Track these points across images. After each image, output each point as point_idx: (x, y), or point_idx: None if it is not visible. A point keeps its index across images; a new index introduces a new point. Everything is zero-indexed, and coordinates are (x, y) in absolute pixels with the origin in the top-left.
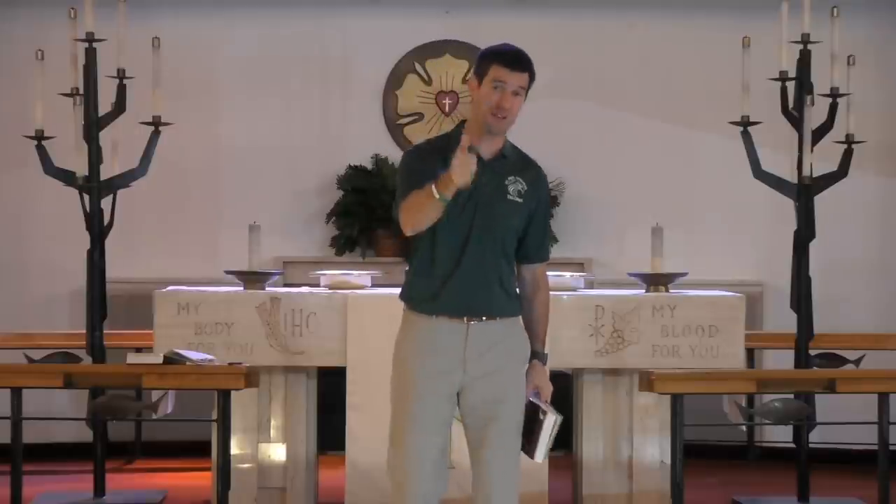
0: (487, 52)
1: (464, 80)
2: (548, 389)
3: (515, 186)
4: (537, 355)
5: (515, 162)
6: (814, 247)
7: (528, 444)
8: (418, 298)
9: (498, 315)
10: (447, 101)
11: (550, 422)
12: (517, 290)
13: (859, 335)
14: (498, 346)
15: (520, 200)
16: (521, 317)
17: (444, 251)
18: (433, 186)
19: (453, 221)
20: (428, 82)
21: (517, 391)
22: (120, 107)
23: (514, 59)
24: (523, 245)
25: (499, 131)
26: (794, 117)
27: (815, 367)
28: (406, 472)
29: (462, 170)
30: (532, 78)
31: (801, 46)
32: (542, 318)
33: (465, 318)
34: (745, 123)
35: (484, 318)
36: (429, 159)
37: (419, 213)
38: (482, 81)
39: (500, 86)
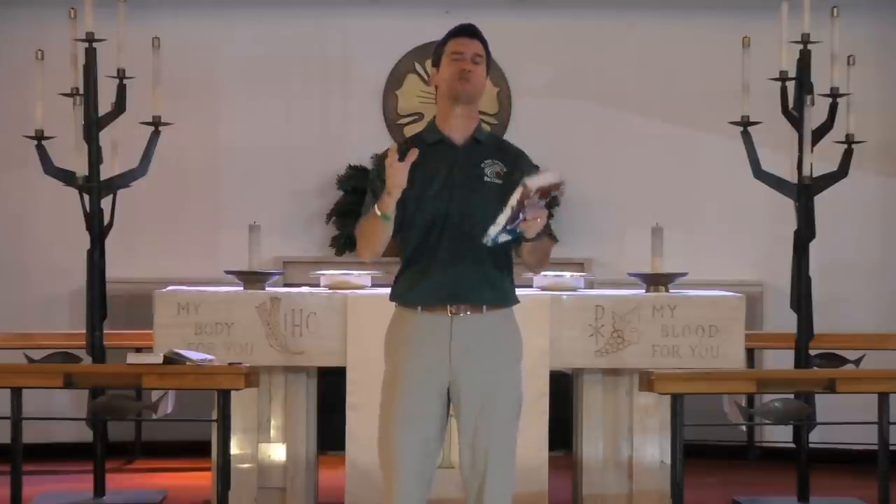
0: (439, 41)
1: None
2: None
3: (493, 168)
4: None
5: (492, 146)
6: (814, 247)
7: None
8: (400, 291)
9: (483, 304)
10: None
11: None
12: (511, 279)
13: (859, 335)
14: (486, 342)
15: (499, 182)
16: (513, 308)
17: (421, 241)
18: (375, 206)
19: (428, 210)
20: (428, 82)
21: (509, 389)
22: (120, 107)
23: (465, 29)
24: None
25: (467, 98)
26: (794, 117)
27: (815, 367)
28: (391, 469)
29: (391, 173)
30: (486, 49)
31: (801, 46)
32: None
33: (448, 311)
34: (745, 123)
35: (468, 310)
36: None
37: (369, 236)
38: (441, 63)
39: (457, 56)
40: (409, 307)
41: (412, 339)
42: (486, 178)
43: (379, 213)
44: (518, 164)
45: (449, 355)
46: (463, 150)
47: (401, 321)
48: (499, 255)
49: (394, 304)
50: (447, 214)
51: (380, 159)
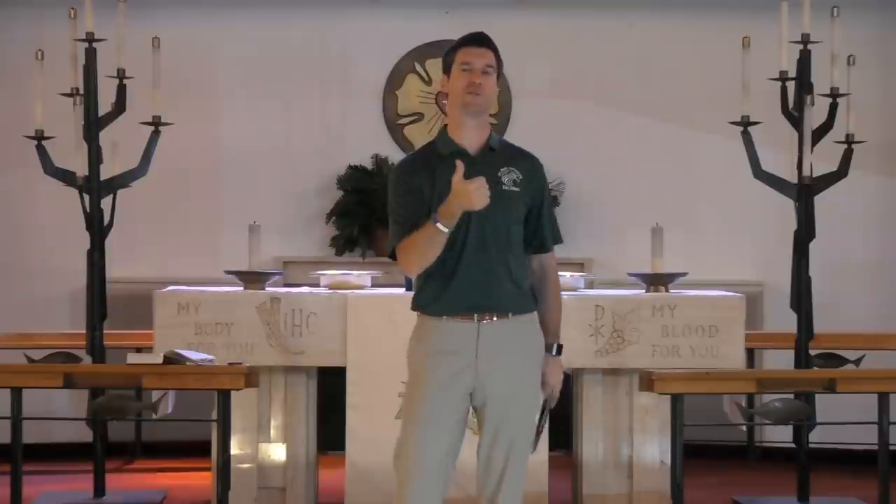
0: (449, 48)
1: None
2: (558, 388)
3: (510, 176)
4: (549, 347)
5: (506, 153)
6: (814, 247)
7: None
8: (426, 301)
9: (510, 311)
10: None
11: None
12: (530, 284)
13: (859, 335)
14: (511, 346)
15: (517, 189)
16: (536, 313)
17: (445, 252)
18: (436, 222)
19: None
20: (428, 82)
21: (531, 393)
22: (120, 107)
23: (476, 38)
24: (527, 236)
25: (477, 109)
26: (794, 117)
27: (815, 367)
28: (412, 472)
29: (479, 193)
30: (498, 58)
31: (801, 46)
32: (553, 309)
33: (475, 317)
34: (745, 123)
35: (495, 316)
36: (417, 175)
37: (425, 251)
38: (451, 73)
39: (467, 67)
40: (436, 316)
41: (439, 346)
42: (504, 187)
43: (445, 229)
44: (534, 172)
45: (476, 360)
46: (478, 159)
47: (427, 330)
48: (519, 262)
49: (416, 313)
50: (469, 225)
51: (401, 172)
